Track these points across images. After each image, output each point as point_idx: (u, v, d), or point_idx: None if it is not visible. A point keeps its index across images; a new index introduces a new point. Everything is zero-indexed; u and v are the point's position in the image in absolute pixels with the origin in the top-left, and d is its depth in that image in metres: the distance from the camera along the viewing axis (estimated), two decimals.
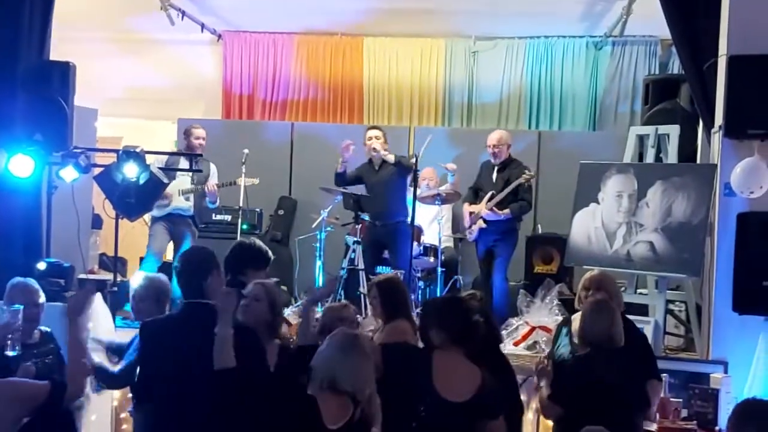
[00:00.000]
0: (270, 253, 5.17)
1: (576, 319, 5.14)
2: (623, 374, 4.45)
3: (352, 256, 7.95)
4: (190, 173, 7.71)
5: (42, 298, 4.59)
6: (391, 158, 7.88)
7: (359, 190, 8.22)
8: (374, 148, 7.89)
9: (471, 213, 7.86)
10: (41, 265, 6.23)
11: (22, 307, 4.21)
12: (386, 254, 8.03)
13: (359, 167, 8.12)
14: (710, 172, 6.14)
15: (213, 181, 7.91)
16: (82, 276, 6.90)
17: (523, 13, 9.43)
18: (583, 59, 10.35)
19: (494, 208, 7.68)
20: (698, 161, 6.98)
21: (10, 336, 4.08)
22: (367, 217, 8.03)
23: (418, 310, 5.85)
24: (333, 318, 4.68)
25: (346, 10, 9.60)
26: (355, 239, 7.94)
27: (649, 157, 7.29)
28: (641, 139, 7.50)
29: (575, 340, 5.02)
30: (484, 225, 7.73)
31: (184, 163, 7.76)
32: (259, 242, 5.30)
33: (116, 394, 5.89)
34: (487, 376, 3.98)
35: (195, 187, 7.85)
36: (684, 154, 7.13)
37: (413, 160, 7.74)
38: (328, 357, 3.53)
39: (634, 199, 6.58)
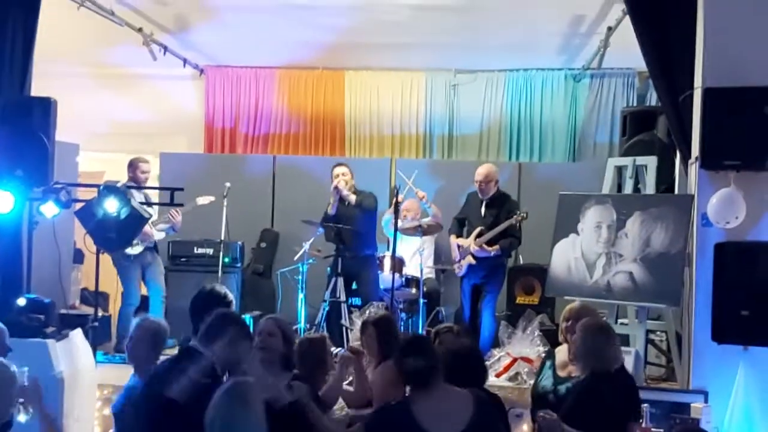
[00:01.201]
0: (230, 296, 5.01)
1: (560, 351, 5.17)
2: (623, 395, 4.47)
3: (334, 289, 7.96)
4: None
5: None
6: (352, 199, 8.03)
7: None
8: (335, 187, 8.04)
9: (459, 246, 7.87)
10: (21, 301, 6.18)
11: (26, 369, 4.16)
12: (354, 285, 8.16)
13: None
14: (687, 202, 6.20)
15: (173, 210, 7.86)
16: (63, 311, 6.88)
17: (502, 47, 9.53)
18: (562, 91, 10.47)
19: (483, 245, 7.68)
20: (676, 192, 7.06)
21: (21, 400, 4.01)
22: None
23: None
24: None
25: (327, 45, 9.66)
26: (338, 272, 7.98)
27: (628, 188, 7.37)
28: (619, 170, 7.59)
29: (558, 372, 5.05)
30: (473, 261, 7.74)
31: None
32: (219, 289, 5.09)
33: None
34: (479, 396, 3.97)
35: (167, 217, 7.87)
36: (662, 184, 7.21)
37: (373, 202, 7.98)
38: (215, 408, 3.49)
39: (613, 230, 6.64)
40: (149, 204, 7.60)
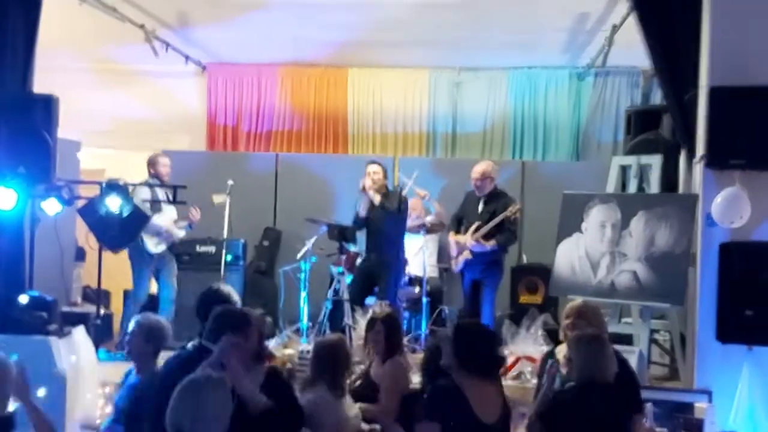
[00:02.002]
0: (234, 296, 5.01)
1: (561, 350, 5.15)
2: (616, 409, 4.44)
3: (337, 287, 7.94)
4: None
5: None
6: (376, 200, 7.82)
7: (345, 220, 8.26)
8: (363, 186, 7.84)
9: (457, 243, 7.87)
10: (23, 298, 6.18)
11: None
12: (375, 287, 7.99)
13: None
14: (692, 202, 6.19)
15: (192, 209, 7.90)
16: (66, 309, 6.87)
17: (506, 44, 9.51)
18: (566, 90, 10.45)
19: (480, 240, 7.68)
20: (680, 191, 7.04)
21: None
22: (352, 247, 8.04)
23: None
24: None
25: (331, 42, 9.65)
26: (340, 270, 7.94)
27: (632, 187, 7.34)
28: (624, 169, 7.56)
29: (562, 370, 5.03)
30: (470, 256, 7.74)
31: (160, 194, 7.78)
32: (224, 288, 5.10)
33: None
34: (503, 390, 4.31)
35: (186, 216, 7.90)
36: (666, 184, 7.17)
37: (400, 205, 7.75)
38: (175, 407, 3.49)
39: (617, 229, 6.63)
40: (171, 202, 7.63)
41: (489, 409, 4.14)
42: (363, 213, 7.88)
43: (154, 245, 7.66)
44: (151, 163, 7.99)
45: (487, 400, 4.16)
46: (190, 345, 4.37)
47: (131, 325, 4.86)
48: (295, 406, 4.28)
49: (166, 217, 7.79)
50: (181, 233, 7.94)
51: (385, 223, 7.80)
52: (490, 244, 7.67)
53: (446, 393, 4.16)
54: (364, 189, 7.84)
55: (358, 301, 7.68)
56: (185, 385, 3.52)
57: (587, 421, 4.30)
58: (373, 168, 7.91)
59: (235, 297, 4.98)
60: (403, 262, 8.01)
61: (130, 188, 7.32)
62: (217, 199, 8.15)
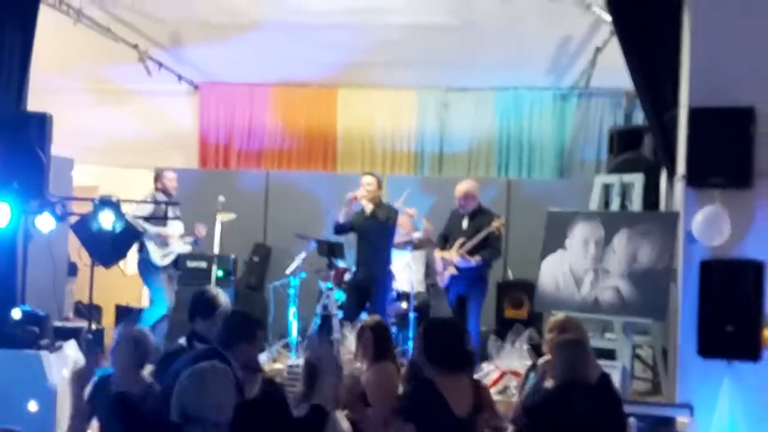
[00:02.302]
0: (218, 300, 5.08)
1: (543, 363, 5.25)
2: (599, 409, 4.51)
3: (326, 302, 8.03)
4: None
5: None
6: (368, 208, 7.92)
7: (334, 236, 8.35)
8: (354, 197, 7.94)
9: (443, 259, 7.98)
10: (16, 313, 6.24)
11: None
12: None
13: (356, 213, 8.10)
14: (673, 219, 6.29)
15: (199, 225, 8.12)
16: (58, 324, 6.93)
17: (492, 66, 9.65)
18: (551, 110, 10.59)
19: (465, 255, 7.80)
20: (662, 209, 7.15)
21: None
22: (341, 263, 8.14)
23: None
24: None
25: (321, 62, 9.75)
26: (329, 285, 8.03)
27: (615, 205, 7.45)
28: (607, 188, 7.68)
29: (545, 383, 5.12)
30: (456, 272, 7.85)
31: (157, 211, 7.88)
32: (210, 291, 5.21)
33: None
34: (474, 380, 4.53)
35: (192, 232, 8.09)
36: (648, 202, 7.30)
37: (389, 216, 7.87)
38: (181, 389, 3.60)
39: (600, 246, 6.72)
40: (178, 218, 7.76)
41: (462, 402, 4.29)
42: (342, 219, 7.99)
43: (160, 258, 7.78)
44: (158, 178, 8.09)
45: (459, 393, 4.31)
46: (200, 347, 4.45)
47: (114, 337, 4.84)
48: (289, 415, 4.35)
49: (172, 231, 7.90)
50: (185, 248, 8.05)
51: (375, 233, 7.90)
52: (475, 260, 7.80)
53: (420, 390, 4.32)
54: (354, 199, 7.94)
55: (353, 317, 7.71)
56: (194, 370, 3.61)
57: (570, 420, 4.39)
58: (368, 179, 8.04)
59: (222, 299, 5.05)
60: (392, 276, 8.10)
61: (134, 204, 7.45)
62: (225, 217, 8.25)
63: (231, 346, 4.30)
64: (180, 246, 8.04)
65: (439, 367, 4.36)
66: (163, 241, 7.81)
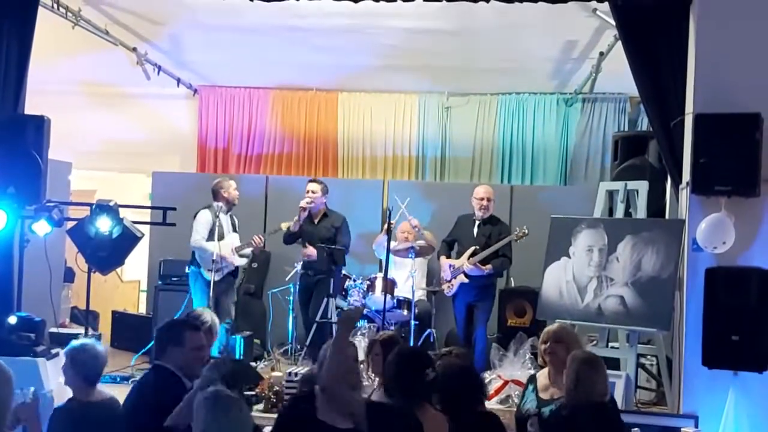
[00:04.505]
0: (204, 318, 5.10)
1: (541, 374, 5.18)
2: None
3: (325, 309, 7.96)
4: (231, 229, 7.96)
5: None
6: (314, 216, 8.29)
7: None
8: (302, 206, 8.22)
9: (451, 266, 7.90)
10: (12, 319, 6.18)
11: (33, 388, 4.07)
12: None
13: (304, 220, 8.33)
14: (678, 227, 6.23)
15: (256, 236, 8.12)
16: (53, 330, 6.86)
17: (495, 70, 9.60)
18: (554, 115, 10.54)
19: (477, 264, 7.74)
20: (667, 216, 7.09)
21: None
22: (343, 270, 8.12)
23: None
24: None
25: (321, 66, 9.71)
26: (329, 292, 7.98)
27: (619, 212, 7.39)
28: (611, 195, 7.62)
29: (541, 395, 5.06)
30: (466, 280, 7.79)
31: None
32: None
33: None
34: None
35: (250, 243, 8.02)
36: (653, 209, 7.24)
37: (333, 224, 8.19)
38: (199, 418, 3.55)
39: (604, 254, 6.66)
40: (235, 229, 7.67)
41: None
42: (293, 228, 8.29)
43: (210, 274, 7.63)
44: (218, 190, 7.97)
45: (431, 422, 4.10)
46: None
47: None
48: None
49: (227, 244, 7.78)
50: (240, 261, 7.97)
51: (320, 239, 8.20)
52: (486, 269, 7.75)
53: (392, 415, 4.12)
54: (303, 209, 8.23)
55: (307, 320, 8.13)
56: (211, 401, 3.54)
57: None
58: (311, 186, 8.37)
59: (203, 320, 5.02)
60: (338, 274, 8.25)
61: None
62: (285, 225, 8.34)
63: (163, 353, 4.39)
64: (236, 260, 7.95)
65: (402, 396, 4.20)
66: (216, 267, 7.65)
